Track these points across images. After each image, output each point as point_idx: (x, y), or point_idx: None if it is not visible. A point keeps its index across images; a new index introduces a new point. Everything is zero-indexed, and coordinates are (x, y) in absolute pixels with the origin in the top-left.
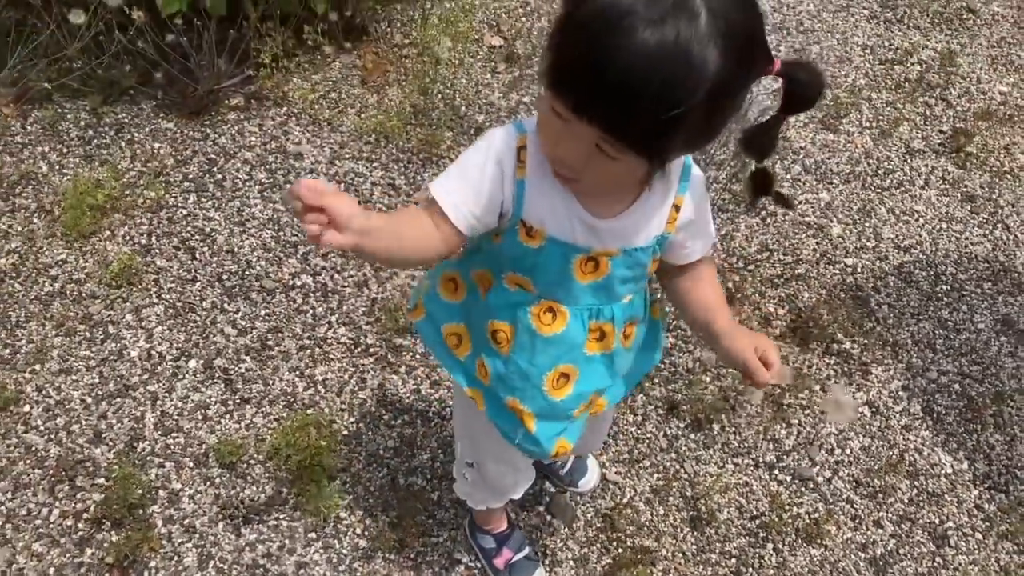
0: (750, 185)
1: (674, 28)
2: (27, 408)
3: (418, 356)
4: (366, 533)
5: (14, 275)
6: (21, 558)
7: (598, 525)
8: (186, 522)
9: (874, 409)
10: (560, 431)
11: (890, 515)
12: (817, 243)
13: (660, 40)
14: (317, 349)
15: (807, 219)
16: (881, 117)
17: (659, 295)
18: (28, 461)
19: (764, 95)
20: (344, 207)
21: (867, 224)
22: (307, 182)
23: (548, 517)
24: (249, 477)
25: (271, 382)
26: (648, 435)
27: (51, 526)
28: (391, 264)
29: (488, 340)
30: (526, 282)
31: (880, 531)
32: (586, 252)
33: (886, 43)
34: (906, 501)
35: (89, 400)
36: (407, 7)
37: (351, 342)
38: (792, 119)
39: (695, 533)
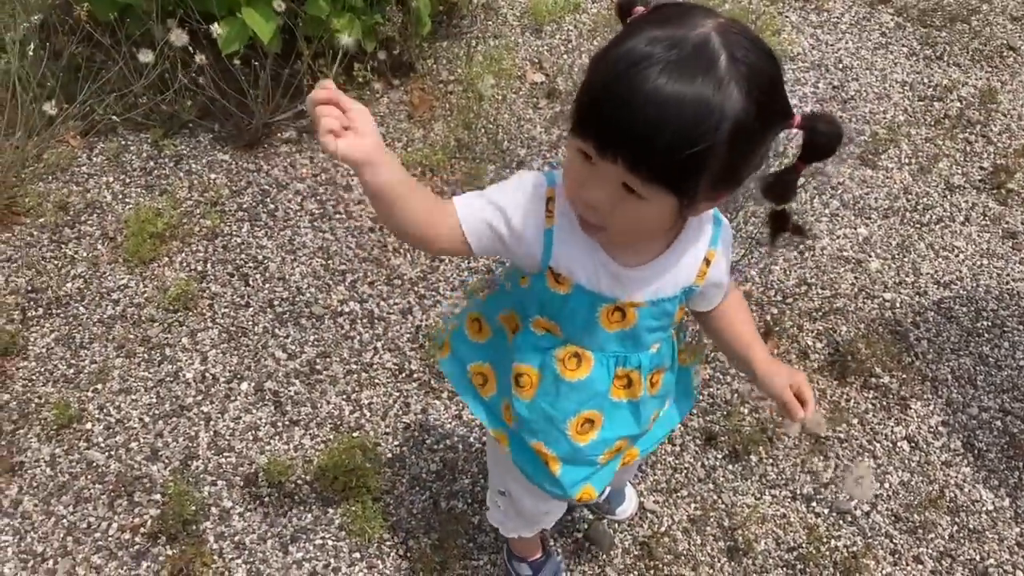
0: (770, 224)
1: (694, 70)
2: (89, 425)
3: None
4: (408, 554)
5: (79, 299)
6: (80, 570)
7: (636, 553)
8: (236, 539)
9: (913, 444)
10: (585, 476)
11: (930, 551)
12: (855, 278)
13: (680, 81)
14: (363, 374)
15: (845, 254)
16: (920, 153)
17: (686, 341)
18: (89, 476)
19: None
20: (368, 122)
21: (906, 259)
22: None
23: (586, 544)
24: (297, 497)
25: (319, 405)
26: (686, 465)
27: (109, 539)
28: (391, 220)
29: (512, 384)
30: (554, 327)
31: (920, 567)
32: (612, 302)
33: (925, 80)
34: (946, 537)
35: (147, 419)
36: (452, 45)
37: (396, 368)
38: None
39: (732, 563)
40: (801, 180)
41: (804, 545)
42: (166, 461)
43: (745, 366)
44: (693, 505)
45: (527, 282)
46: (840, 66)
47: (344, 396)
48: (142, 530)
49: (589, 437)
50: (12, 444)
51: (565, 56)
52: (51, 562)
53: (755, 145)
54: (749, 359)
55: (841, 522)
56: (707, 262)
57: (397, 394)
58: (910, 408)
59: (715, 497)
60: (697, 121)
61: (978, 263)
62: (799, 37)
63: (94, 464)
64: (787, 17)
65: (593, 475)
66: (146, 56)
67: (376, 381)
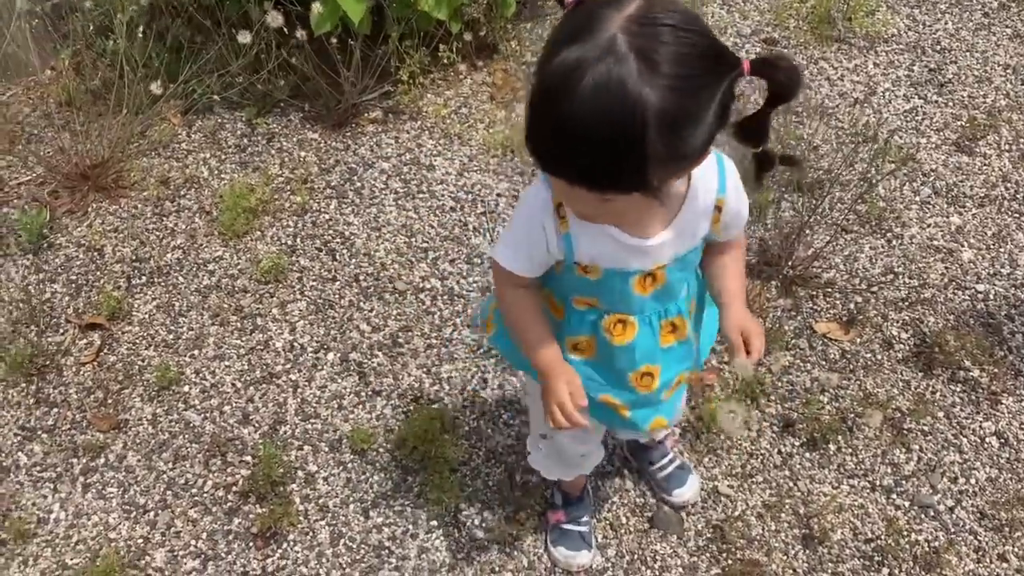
0: (753, 167)
1: (604, 89)
2: (187, 388)
3: None
4: (483, 525)
5: (178, 268)
6: (179, 522)
7: (708, 535)
8: (321, 501)
9: (1003, 440)
10: (654, 412)
11: (1016, 550)
12: (946, 267)
13: (592, 103)
14: (443, 349)
15: (935, 243)
16: (1022, 139)
17: None
18: (187, 436)
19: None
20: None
21: (1002, 250)
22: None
23: (655, 528)
24: (378, 464)
25: (400, 377)
26: (762, 451)
27: (205, 496)
28: None
29: (569, 350)
30: (593, 301)
31: (1005, 565)
32: (641, 272)
33: None
34: None
35: (239, 384)
36: (536, 27)
37: (474, 344)
38: (923, 141)
39: (807, 551)
40: (891, 167)
41: (883, 537)
42: (256, 425)
43: (716, 302)
44: (768, 491)
45: (560, 270)
46: (938, 48)
47: (424, 369)
48: (234, 488)
49: (653, 386)
50: (118, 403)
51: None
52: (152, 514)
53: (697, 118)
54: (722, 303)
55: (923, 516)
56: (718, 209)
57: (475, 369)
58: (1001, 403)
59: (791, 484)
60: (617, 136)
61: None
62: (894, 18)
63: (191, 425)
64: None
65: (660, 407)
66: (244, 37)
67: (455, 356)
